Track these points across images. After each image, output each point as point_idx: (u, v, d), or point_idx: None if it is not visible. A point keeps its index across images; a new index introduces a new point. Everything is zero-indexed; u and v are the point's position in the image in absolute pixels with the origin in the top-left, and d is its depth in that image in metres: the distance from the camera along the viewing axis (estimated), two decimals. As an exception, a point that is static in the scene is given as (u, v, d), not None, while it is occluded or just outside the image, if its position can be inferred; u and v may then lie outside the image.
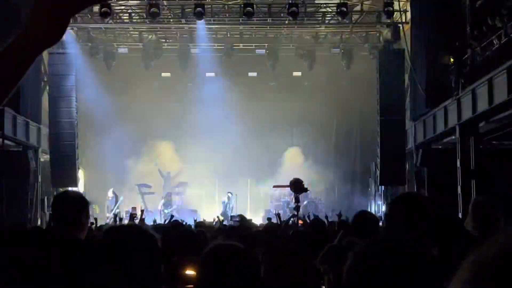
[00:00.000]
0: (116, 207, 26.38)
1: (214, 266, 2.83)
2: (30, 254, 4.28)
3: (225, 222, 21.08)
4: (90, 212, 4.68)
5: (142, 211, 18.44)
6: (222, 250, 2.91)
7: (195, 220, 15.49)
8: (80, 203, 4.41)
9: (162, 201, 28.00)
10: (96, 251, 2.76)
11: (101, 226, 14.03)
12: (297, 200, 8.59)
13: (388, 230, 3.19)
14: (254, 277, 2.83)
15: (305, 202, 27.81)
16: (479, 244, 1.00)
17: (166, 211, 26.69)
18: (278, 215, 15.95)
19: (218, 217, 21.85)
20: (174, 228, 10.13)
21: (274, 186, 20.67)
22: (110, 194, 27.10)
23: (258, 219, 23.39)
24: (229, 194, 28.01)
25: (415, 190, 23.58)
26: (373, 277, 2.06)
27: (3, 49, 1.57)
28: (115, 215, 20.87)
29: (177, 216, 18.00)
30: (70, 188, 21.90)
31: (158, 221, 20.38)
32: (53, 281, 3.86)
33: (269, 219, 14.68)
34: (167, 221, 15.15)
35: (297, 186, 8.60)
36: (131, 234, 2.76)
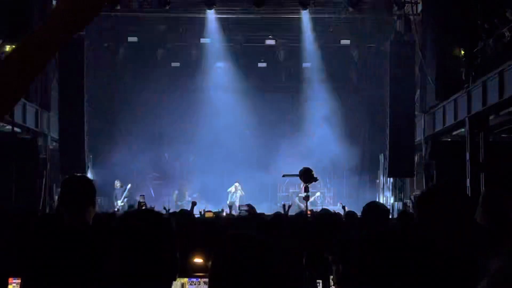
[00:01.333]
0: (124, 196, 26.40)
1: (231, 255, 2.82)
2: (42, 240, 4.29)
3: (233, 212, 21.13)
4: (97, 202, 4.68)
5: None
6: (240, 239, 2.90)
7: (200, 211, 15.52)
8: (87, 187, 4.41)
9: (176, 192, 28.06)
10: (114, 236, 2.76)
11: (111, 213, 14.07)
12: (306, 190, 8.56)
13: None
14: (270, 268, 2.83)
15: (317, 194, 27.85)
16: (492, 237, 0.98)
17: (179, 203, 26.75)
18: (284, 206, 15.92)
19: (222, 209, 21.88)
20: (181, 217, 10.15)
21: (284, 175, 20.69)
22: (117, 183, 27.07)
23: (265, 209, 23.41)
24: (236, 184, 28.03)
25: (424, 182, 23.58)
26: (380, 266, 2.06)
27: (31, 34, 1.58)
28: (123, 200, 20.89)
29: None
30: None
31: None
32: (65, 265, 3.88)
33: (277, 213, 14.66)
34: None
35: (307, 176, 8.56)
36: (148, 219, 2.77)
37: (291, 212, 15.30)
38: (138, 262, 2.67)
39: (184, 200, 27.25)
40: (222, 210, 21.47)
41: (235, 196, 27.68)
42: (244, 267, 2.74)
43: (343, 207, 18.00)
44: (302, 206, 19.05)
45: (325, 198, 28.70)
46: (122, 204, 25.73)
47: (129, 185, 27.26)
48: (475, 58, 19.99)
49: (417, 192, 24.51)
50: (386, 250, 2.16)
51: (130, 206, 18.28)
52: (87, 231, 4.22)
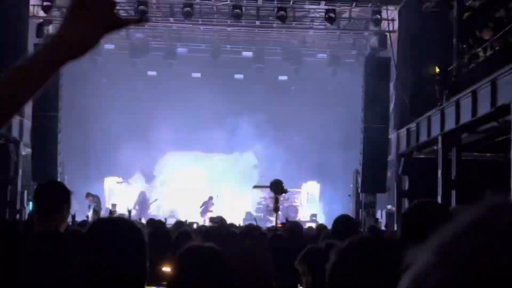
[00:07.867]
0: (92, 207, 25.74)
1: (187, 267, 2.83)
2: (13, 247, 4.23)
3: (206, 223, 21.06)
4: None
5: (129, 211, 18.35)
6: (197, 251, 2.91)
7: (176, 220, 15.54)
8: (62, 194, 4.34)
9: (138, 199, 27.76)
10: (83, 242, 2.75)
11: (81, 222, 13.99)
12: (276, 201, 8.52)
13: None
14: (227, 279, 2.84)
15: (285, 205, 27.85)
16: None
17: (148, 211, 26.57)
18: (255, 219, 16.03)
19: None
20: (151, 225, 10.11)
21: (254, 187, 20.70)
22: (87, 199, 26.08)
23: (239, 221, 23.37)
24: (210, 196, 27.91)
25: (395, 198, 23.69)
26: (356, 274, 2.06)
27: (26, 58, 1.57)
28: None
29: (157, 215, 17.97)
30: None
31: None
32: (36, 273, 3.83)
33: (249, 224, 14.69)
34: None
35: (277, 187, 8.53)
36: (118, 226, 2.75)
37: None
38: (107, 268, 2.65)
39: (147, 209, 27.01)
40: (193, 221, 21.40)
41: (207, 207, 27.57)
42: (201, 278, 2.74)
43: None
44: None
45: (297, 211, 28.70)
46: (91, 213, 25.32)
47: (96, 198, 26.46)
48: (449, 77, 20.17)
49: (389, 207, 24.63)
50: (355, 260, 2.16)
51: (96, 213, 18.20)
52: (59, 237, 4.17)
